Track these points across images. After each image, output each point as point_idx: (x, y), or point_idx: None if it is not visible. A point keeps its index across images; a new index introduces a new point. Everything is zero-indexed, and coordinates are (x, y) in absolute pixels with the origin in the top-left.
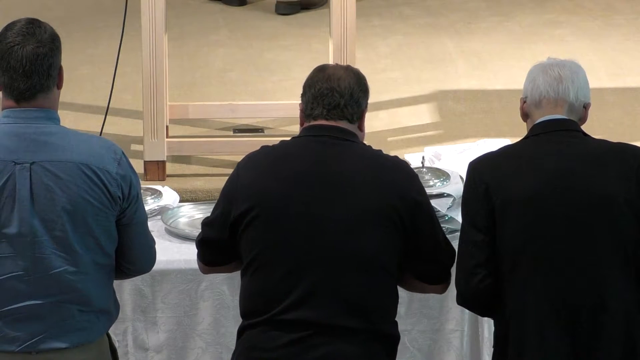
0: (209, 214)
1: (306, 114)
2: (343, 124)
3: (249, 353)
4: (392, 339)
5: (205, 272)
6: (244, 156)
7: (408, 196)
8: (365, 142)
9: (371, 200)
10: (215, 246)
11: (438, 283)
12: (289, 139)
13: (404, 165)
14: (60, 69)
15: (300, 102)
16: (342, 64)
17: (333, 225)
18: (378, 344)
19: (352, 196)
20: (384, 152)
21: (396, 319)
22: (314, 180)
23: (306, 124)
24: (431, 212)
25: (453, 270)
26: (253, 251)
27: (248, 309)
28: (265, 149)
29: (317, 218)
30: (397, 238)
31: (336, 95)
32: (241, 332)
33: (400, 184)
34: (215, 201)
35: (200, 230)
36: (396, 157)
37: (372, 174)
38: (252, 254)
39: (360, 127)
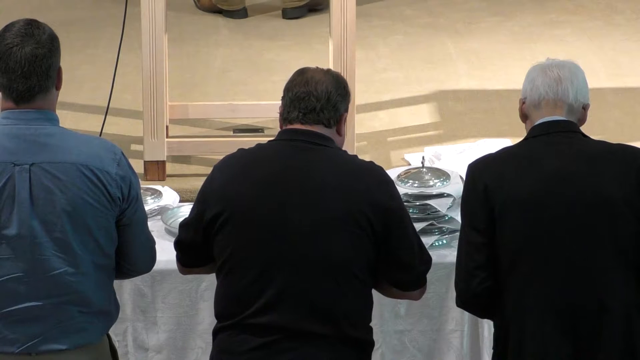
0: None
1: (283, 118)
2: (318, 129)
3: (219, 356)
4: (364, 345)
5: (183, 273)
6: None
7: (379, 202)
8: (365, 142)
9: (341, 205)
10: (191, 248)
11: (413, 289)
12: (265, 141)
13: (377, 170)
14: (59, 69)
15: (280, 104)
16: (326, 65)
17: (302, 230)
18: (348, 349)
19: (322, 201)
20: (384, 152)
21: (396, 319)
22: (284, 185)
23: (283, 128)
24: (404, 218)
25: (433, 275)
26: (224, 254)
27: (220, 311)
28: (240, 151)
29: (286, 223)
30: (367, 244)
31: (312, 100)
32: (215, 334)
33: (372, 189)
34: None
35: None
36: (371, 162)
37: (343, 179)
38: (224, 257)
39: (339, 132)
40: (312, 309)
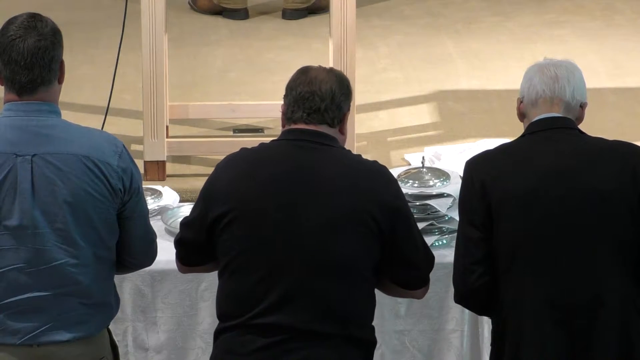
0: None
1: (287, 117)
2: (323, 128)
3: (224, 357)
4: (368, 344)
5: (183, 271)
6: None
7: (386, 201)
8: (365, 142)
9: (348, 205)
10: (193, 247)
11: (416, 288)
12: (268, 141)
13: (383, 170)
14: (61, 63)
15: (282, 103)
16: (326, 65)
17: (309, 230)
18: (353, 349)
19: (329, 201)
20: (384, 152)
21: (396, 319)
22: (291, 185)
23: (286, 127)
24: (410, 218)
25: (433, 275)
26: (230, 254)
27: (224, 311)
28: (244, 151)
29: (293, 222)
30: (374, 243)
31: (317, 99)
32: (217, 335)
33: (378, 189)
34: None
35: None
36: (375, 162)
37: (349, 178)
38: (229, 257)
39: (342, 131)
40: (321, 309)
